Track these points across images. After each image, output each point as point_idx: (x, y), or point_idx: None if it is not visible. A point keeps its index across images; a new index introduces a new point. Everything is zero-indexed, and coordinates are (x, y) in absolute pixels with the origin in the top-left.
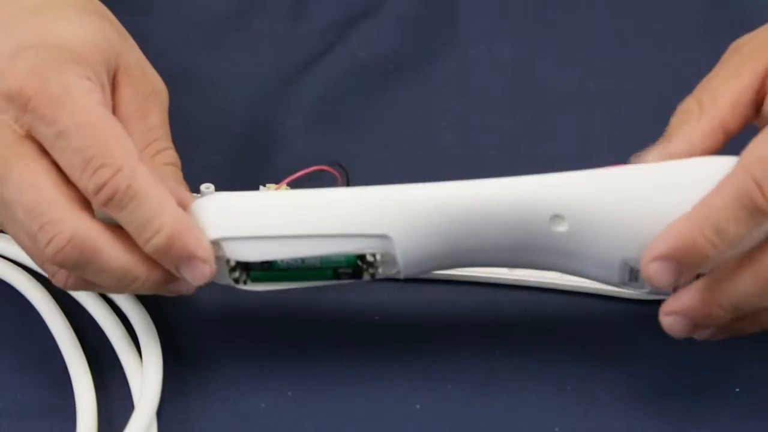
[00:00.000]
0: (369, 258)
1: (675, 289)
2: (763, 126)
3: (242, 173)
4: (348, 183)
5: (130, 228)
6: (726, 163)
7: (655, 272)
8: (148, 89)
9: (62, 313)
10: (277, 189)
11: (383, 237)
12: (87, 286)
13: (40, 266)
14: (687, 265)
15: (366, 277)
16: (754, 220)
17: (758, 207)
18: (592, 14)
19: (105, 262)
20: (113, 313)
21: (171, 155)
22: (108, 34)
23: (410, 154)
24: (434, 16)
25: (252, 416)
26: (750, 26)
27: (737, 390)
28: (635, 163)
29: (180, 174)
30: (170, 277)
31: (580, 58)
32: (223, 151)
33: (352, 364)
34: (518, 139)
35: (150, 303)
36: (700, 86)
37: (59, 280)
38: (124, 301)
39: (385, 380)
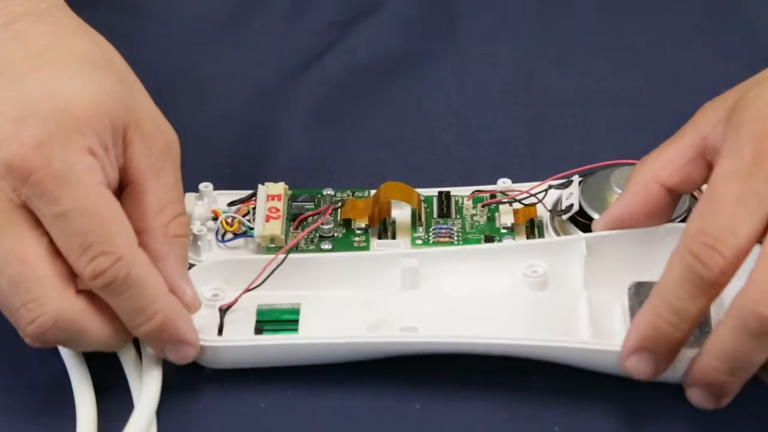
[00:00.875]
0: None
1: None
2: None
3: (242, 172)
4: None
5: (121, 312)
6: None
7: (634, 367)
8: (161, 143)
9: None
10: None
11: None
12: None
13: (13, 323)
14: (660, 352)
15: None
16: (706, 294)
17: (704, 279)
18: (592, 14)
19: (88, 339)
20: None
21: (183, 223)
22: (116, 91)
23: (409, 154)
24: (434, 16)
25: (252, 416)
26: (749, 26)
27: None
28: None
29: (187, 246)
30: None
31: (580, 58)
32: (223, 151)
33: (351, 364)
34: (518, 139)
35: None
36: (648, 153)
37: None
38: None
39: (384, 380)
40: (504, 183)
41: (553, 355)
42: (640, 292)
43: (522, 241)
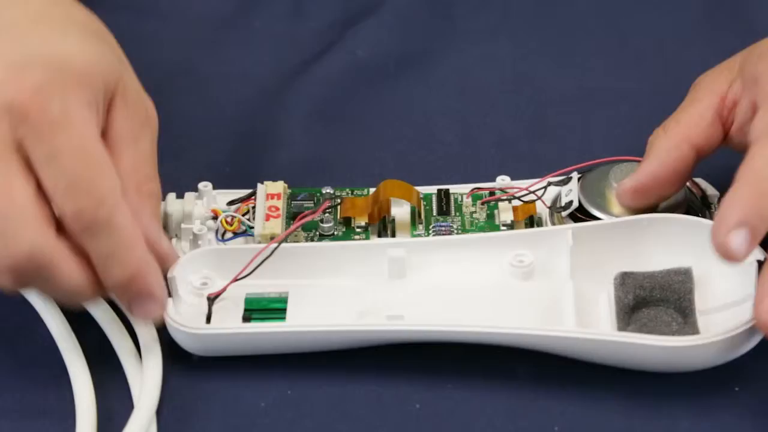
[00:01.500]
0: None
1: None
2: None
3: (241, 172)
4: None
5: (95, 257)
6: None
7: (734, 244)
8: (142, 115)
9: (61, 313)
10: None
11: None
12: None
13: None
14: (757, 229)
15: None
16: None
17: None
18: (591, 13)
19: (60, 281)
20: (112, 312)
21: (155, 187)
22: (109, 57)
23: (409, 153)
24: (433, 16)
25: (252, 415)
26: (749, 25)
27: (737, 389)
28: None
29: (159, 208)
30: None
31: (579, 57)
32: (223, 150)
33: (351, 363)
34: (517, 138)
35: None
36: (666, 120)
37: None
38: None
39: (384, 379)
40: (503, 180)
41: (538, 343)
42: (625, 282)
43: (508, 231)
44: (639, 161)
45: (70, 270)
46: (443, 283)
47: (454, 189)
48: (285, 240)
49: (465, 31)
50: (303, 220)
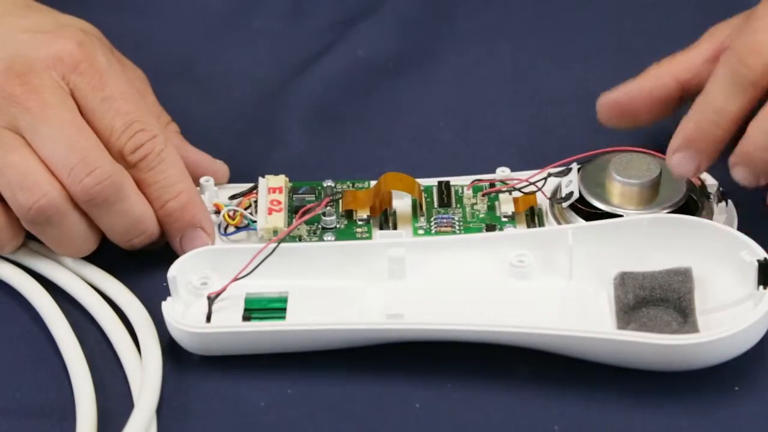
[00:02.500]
0: None
1: None
2: None
3: (242, 171)
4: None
5: (152, 188)
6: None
7: (679, 163)
8: (139, 74)
9: (62, 312)
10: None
11: None
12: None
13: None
14: (703, 150)
15: None
16: (746, 93)
17: (746, 78)
18: (591, 13)
19: (129, 207)
20: (113, 311)
21: (176, 127)
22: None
23: (409, 153)
24: (433, 16)
25: (252, 415)
26: None
27: (736, 389)
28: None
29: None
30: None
31: (579, 58)
32: (223, 150)
33: (351, 363)
34: (517, 138)
35: (149, 302)
36: None
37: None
38: (123, 300)
39: (384, 379)
40: (503, 171)
41: (538, 342)
42: (625, 283)
43: (509, 231)
44: (640, 151)
45: (137, 197)
46: (443, 283)
47: (455, 181)
48: (286, 237)
49: (465, 31)
50: (305, 217)
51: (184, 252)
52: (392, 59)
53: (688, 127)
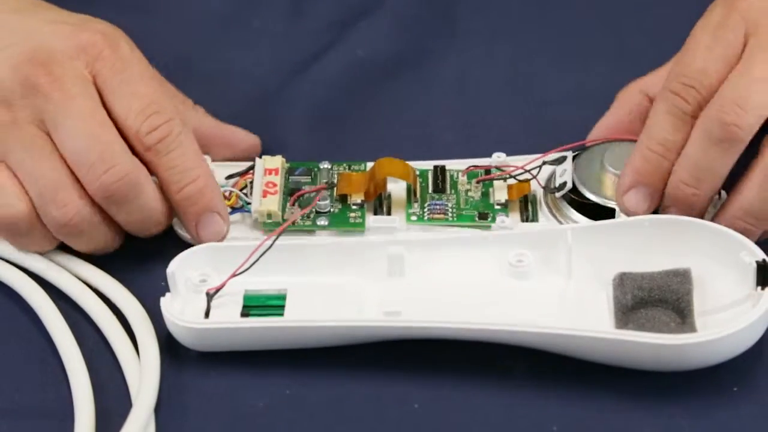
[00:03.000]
0: None
1: None
2: None
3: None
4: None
5: (168, 173)
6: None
7: (631, 201)
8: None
9: (59, 313)
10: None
11: None
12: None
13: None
14: (652, 184)
15: None
16: (686, 124)
17: (684, 111)
18: (591, 13)
19: (144, 202)
20: (111, 311)
21: (203, 109)
22: None
23: (409, 153)
24: (433, 15)
25: (250, 415)
26: None
27: (735, 389)
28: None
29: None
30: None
31: (579, 58)
32: None
33: (350, 363)
34: (516, 138)
35: (147, 299)
36: None
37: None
38: (122, 300)
39: (383, 379)
40: (499, 157)
41: (537, 341)
42: (624, 283)
43: (509, 230)
44: (635, 140)
45: (152, 189)
46: (442, 281)
47: (450, 165)
48: (282, 233)
49: (464, 31)
50: (303, 211)
51: (199, 237)
52: (392, 59)
53: (636, 162)
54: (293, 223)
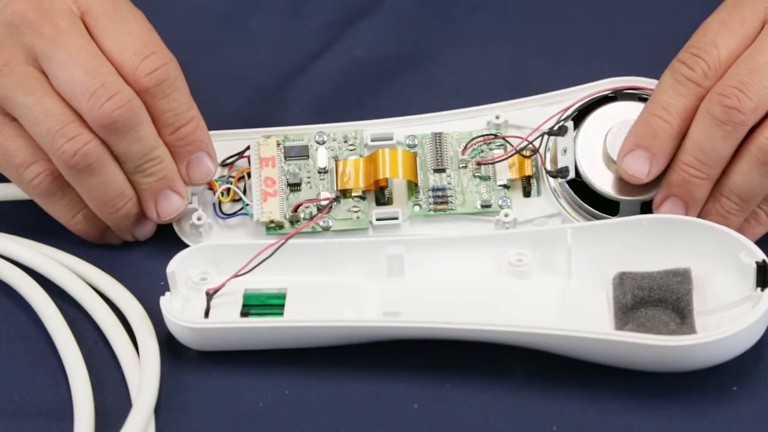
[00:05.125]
0: None
1: None
2: None
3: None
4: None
5: (164, 116)
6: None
7: (630, 165)
8: None
9: (59, 312)
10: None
11: None
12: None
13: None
14: (653, 148)
15: None
16: (691, 91)
17: (689, 78)
18: (589, 13)
19: (144, 134)
20: (111, 311)
21: None
22: None
23: None
24: (432, 15)
25: (250, 415)
26: None
27: (735, 389)
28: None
29: None
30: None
31: (578, 58)
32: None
33: (350, 363)
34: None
35: (148, 301)
36: None
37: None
38: (121, 300)
39: (383, 380)
40: (498, 119)
41: (536, 342)
42: (624, 282)
43: (508, 230)
44: (641, 91)
45: (150, 126)
46: (442, 281)
47: (449, 128)
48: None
49: (464, 31)
50: (307, 223)
51: (189, 179)
52: (390, 59)
53: (636, 126)
54: (295, 218)
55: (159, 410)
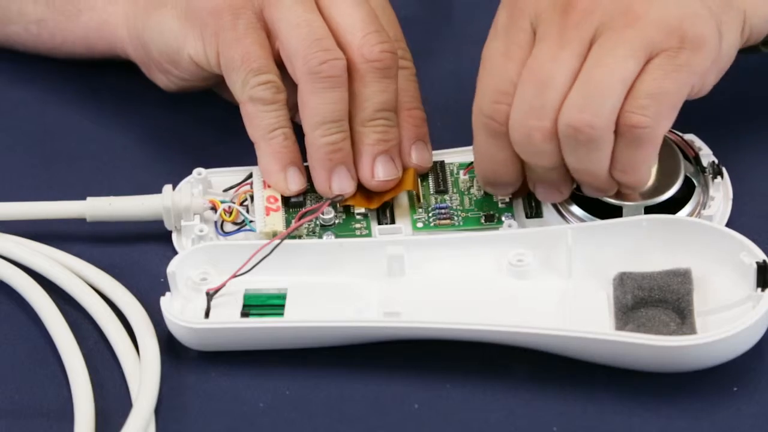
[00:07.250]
0: None
1: None
2: None
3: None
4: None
5: (367, 102)
6: None
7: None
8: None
9: (60, 313)
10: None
11: None
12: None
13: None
14: (509, 187)
15: None
16: (504, 141)
17: (498, 132)
18: None
19: (393, 87)
20: (111, 311)
21: None
22: None
23: None
24: (432, 15)
25: (250, 415)
26: None
27: (735, 389)
28: None
29: None
30: None
31: None
32: (223, 151)
33: (350, 363)
34: None
35: (148, 301)
36: None
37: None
38: (121, 300)
39: (383, 380)
40: None
41: (536, 342)
42: (624, 283)
43: (508, 230)
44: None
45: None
46: (442, 281)
47: (449, 158)
48: (285, 237)
49: (463, 31)
50: (304, 220)
51: (412, 161)
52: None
53: (477, 166)
54: (298, 234)
55: (159, 410)
